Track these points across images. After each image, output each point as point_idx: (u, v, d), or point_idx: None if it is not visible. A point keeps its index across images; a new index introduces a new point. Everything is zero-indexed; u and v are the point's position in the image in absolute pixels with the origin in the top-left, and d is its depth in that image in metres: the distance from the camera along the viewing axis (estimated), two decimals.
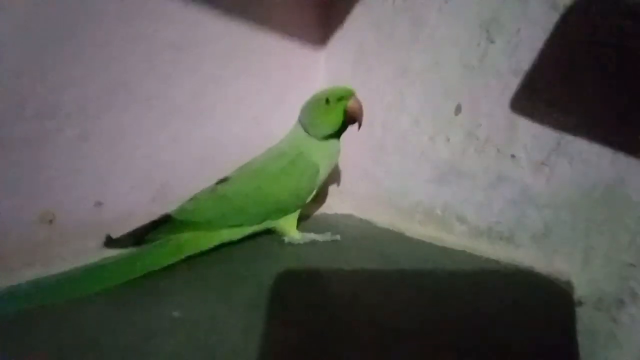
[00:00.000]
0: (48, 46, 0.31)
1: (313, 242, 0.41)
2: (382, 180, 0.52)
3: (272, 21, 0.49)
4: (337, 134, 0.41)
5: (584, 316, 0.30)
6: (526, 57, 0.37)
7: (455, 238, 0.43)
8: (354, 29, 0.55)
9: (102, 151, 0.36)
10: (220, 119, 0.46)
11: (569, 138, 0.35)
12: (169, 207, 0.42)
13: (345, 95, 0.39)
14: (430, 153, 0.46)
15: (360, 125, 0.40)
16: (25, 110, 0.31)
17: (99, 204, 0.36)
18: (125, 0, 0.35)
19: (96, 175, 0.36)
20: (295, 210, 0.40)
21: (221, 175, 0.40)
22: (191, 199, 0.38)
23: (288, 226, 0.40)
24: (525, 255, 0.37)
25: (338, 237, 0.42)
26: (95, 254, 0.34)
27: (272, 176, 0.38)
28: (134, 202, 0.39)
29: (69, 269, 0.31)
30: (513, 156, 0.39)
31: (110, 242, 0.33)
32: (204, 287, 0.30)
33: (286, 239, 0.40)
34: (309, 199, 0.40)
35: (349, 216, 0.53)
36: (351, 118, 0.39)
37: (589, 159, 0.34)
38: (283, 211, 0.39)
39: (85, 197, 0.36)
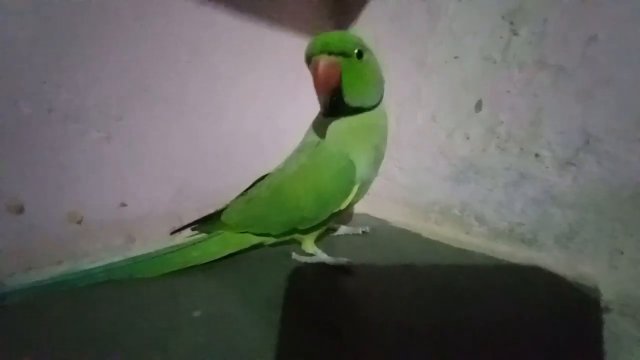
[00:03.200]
0: (69, 53, 0.32)
1: (331, 242, 0.40)
2: (397, 177, 0.51)
3: (284, 16, 0.49)
4: (345, 108, 0.28)
5: (608, 320, 0.29)
6: (553, 49, 0.35)
7: (473, 239, 0.42)
8: (367, 21, 0.53)
9: (124, 152, 0.37)
10: (234, 116, 0.46)
11: (598, 135, 0.33)
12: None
13: (313, 52, 0.26)
14: (447, 150, 0.45)
15: (321, 103, 0.26)
16: (52, 114, 0.32)
17: (123, 205, 0.38)
18: (141, 1, 0.35)
19: (119, 175, 0.37)
20: (327, 221, 0.32)
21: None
22: (235, 199, 0.36)
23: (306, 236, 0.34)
24: (548, 257, 0.36)
25: (346, 260, 0.34)
26: (120, 251, 0.37)
27: (290, 177, 0.30)
28: (154, 201, 0.40)
29: (133, 256, 0.34)
30: (537, 155, 0.37)
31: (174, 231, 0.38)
32: (222, 287, 0.30)
33: (294, 254, 0.35)
34: (345, 205, 0.30)
35: (364, 215, 0.52)
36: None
37: (618, 157, 0.32)
38: (310, 220, 0.30)
39: (110, 198, 0.37)
